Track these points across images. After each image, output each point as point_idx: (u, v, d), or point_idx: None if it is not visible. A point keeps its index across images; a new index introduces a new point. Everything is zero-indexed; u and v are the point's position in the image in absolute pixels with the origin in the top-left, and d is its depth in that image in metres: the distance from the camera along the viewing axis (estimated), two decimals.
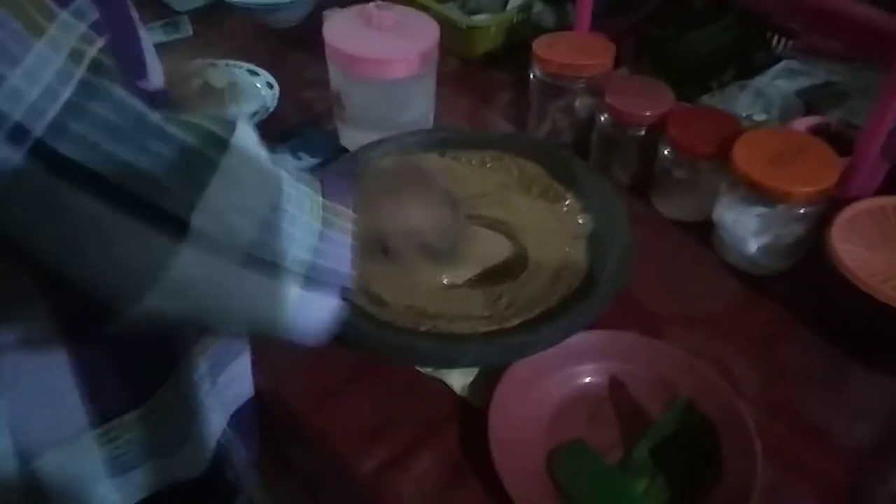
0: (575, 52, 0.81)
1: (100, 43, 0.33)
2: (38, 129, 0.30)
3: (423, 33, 0.79)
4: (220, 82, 0.87)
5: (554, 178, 0.73)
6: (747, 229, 0.68)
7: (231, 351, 0.57)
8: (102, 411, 0.46)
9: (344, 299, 0.41)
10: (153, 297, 0.33)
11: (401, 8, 0.82)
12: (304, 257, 0.37)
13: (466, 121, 0.92)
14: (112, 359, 0.45)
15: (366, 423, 0.59)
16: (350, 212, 0.41)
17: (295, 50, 1.02)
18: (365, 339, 0.58)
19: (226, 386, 0.56)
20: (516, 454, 0.55)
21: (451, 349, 0.58)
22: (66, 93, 0.30)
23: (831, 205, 0.67)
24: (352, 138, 0.83)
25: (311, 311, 0.39)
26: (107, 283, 0.34)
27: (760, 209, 0.66)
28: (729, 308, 0.68)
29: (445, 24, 0.93)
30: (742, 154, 0.67)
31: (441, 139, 0.78)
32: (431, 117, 0.86)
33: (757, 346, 0.65)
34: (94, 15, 0.33)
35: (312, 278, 0.38)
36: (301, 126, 0.88)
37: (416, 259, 0.50)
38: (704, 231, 0.74)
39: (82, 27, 0.32)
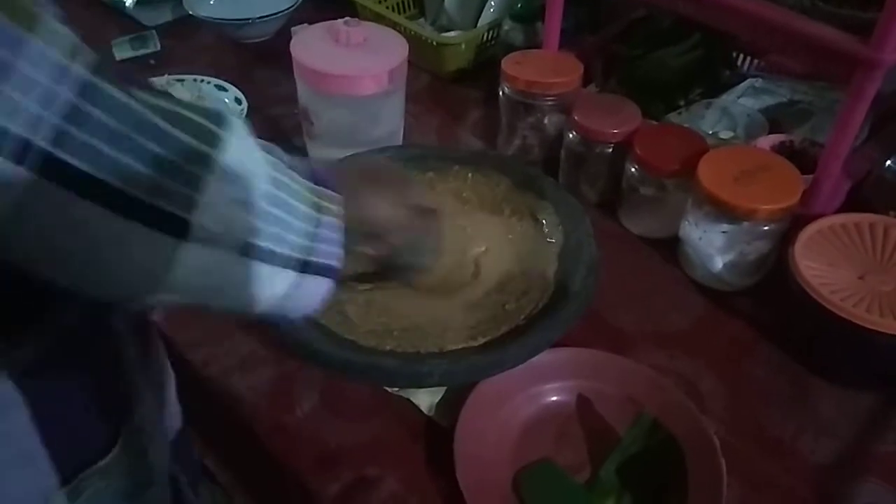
0: (544, 70, 0.81)
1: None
2: (41, 141, 0.28)
3: (391, 50, 0.79)
4: (186, 98, 0.86)
5: (522, 196, 0.73)
6: (713, 246, 0.69)
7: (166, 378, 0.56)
8: (69, 467, 0.44)
9: (336, 281, 0.42)
10: (163, 292, 0.34)
11: (369, 24, 0.81)
12: (301, 243, 0.38)
13: (437, 137, 0.92)
14: (70, 408, 0.44)
15: (332, 445, 0.58)
16: (339, 197, 0.42)
17: (264, 66, 1.02)
18: (330, 359, 0.58)
19: (170, 416, 0.55)
20: (483, 474, 0.55)
21: (417, 368, 0.57)
22: (66, 96, 0.28)
23: (794, 222, 0.67)
24: (320, 155, 0.83)
25: (306, 294, 0.40)
26: (119, 286, 0.34)
27: (725, 226, 0.67)
28: (695, 324, 0.69)
29: (417, 41, 0.94)
30: (707, 172, 0.67)
31: (411, 156, 0.77)
32: (401, 134, 0.86)
33: (722, 362, 0.65)
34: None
35: (310, 263, 0.39)
36: (269, 142, 0.88)
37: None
38: (671, 248, 0.75)
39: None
